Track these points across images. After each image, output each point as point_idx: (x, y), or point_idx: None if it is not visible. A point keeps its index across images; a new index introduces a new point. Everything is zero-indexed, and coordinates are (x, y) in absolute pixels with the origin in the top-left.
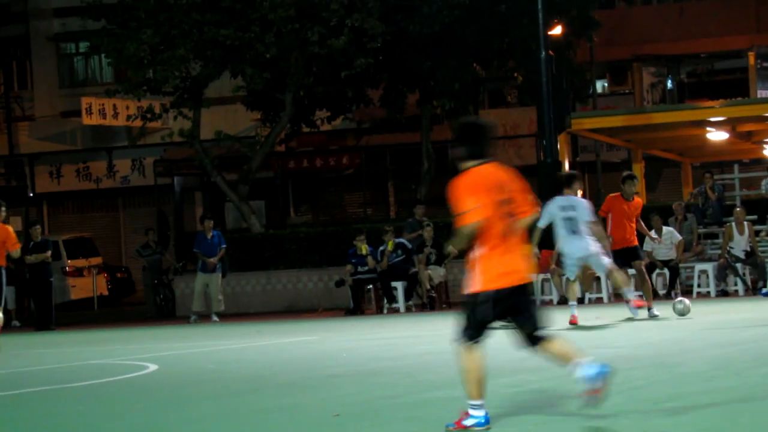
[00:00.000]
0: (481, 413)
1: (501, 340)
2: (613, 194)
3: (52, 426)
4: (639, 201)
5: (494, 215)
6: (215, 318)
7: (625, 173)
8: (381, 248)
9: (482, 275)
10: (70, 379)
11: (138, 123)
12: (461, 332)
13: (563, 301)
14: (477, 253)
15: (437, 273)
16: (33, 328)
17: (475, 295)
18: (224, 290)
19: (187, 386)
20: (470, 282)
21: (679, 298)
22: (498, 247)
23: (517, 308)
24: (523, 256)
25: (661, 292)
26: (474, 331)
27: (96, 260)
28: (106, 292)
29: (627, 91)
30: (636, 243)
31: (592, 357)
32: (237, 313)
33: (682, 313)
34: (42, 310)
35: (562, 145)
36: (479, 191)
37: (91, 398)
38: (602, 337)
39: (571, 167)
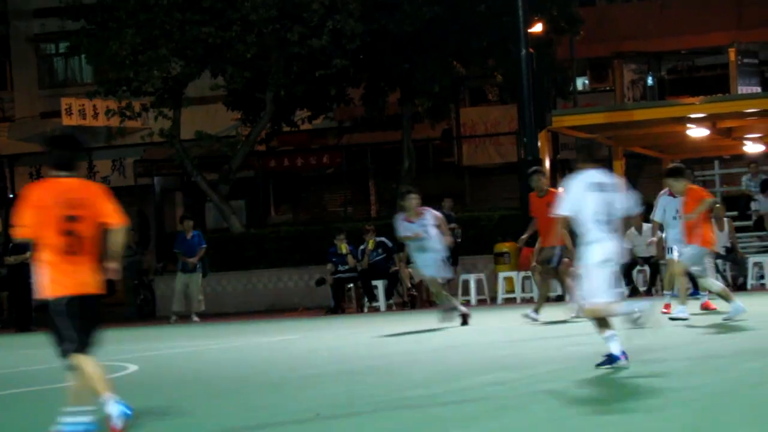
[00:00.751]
0: (82, 419)
1: (481, 339)
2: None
3: (33, 428)
4: (556, 195)
5: (56, 228)
6: (195, 318)
7: (531, 169)
8: (362, 247)
9: (49, 283)
10: (51, 380)
11: (116, 120)
12: (61, 346)
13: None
14: (41, 261)
15: (418, 272)
16: (13, 329)
17: (48, 302)
18: (204, 290)
19: (168, 387)
20: (39, 288)
21: (638, 309)
22: (61, 259)
23: (83, 319)
24: (92, 269)
25: (642, 288)
26: (68, 341)
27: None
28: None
29: (608, 88)
30: (557, 243)
31: (117, 396)
32: (217, 313)
33: (642, 325)
34: (21, 311)
35: (542, 142)
36: (38, 206)
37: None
38: (581, 333)
39: (551, 165)
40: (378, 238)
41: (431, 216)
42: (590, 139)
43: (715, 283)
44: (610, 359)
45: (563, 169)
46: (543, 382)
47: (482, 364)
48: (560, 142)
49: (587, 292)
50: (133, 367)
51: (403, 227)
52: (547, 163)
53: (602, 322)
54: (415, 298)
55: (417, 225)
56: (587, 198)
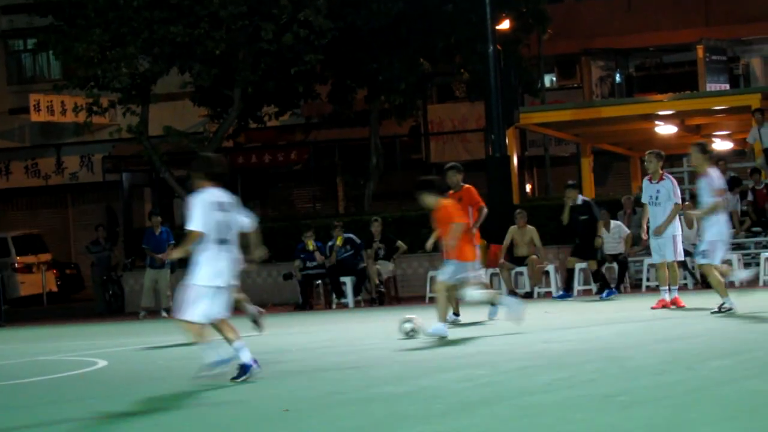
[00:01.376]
0: None
1: (449, 336)
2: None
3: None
4: (467, 190)
5: None
6: (164, 314)
7: (446, 165)
8: (329, 243)
9: None
10: (19, 375)
11: (84, 116)
12: None
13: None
14: None
15: (386, 268)
16: None
17: None
18: (173, 286)
19: (137, 382)
20: None
21: (408, 316)
22: None
23: None
24: None
25: (611, 285)
26: None
27: (45, 257)
28: (55, 289)
29: (576, 85)
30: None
31: None
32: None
33: (408, 333)
34: None
35: (510, 139)
36: None
37: (40, 394)
38: (552, 332)
39: (519, 162)
40: (346, 235)
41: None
42: (208, 156)
43: (475, 294)
44: (243, 369)
45: (531, 166)
46: (511, 379)
47: (450, 361)
48: (528, 139)
49: (182, 306)
50: (102, 363)
51: None
52: (515, 160)
53: (201, 334)
54: (384, 294)
55: None
56: (209, 218)
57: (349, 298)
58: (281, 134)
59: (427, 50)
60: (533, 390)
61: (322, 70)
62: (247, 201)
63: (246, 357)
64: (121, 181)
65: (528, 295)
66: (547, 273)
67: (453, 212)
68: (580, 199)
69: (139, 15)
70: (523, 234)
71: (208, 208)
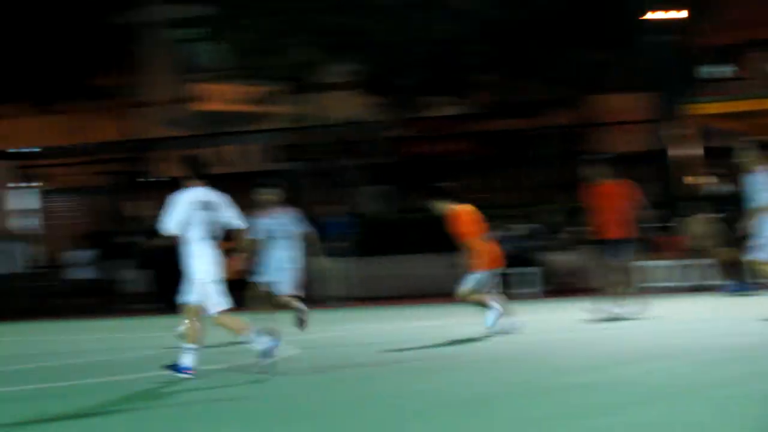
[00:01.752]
0: None
1: (642, 327)
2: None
3: (189, 406)
4: (621, 184)
5: None
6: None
7: (584, 157)
8: (505, 233)
9: None
10: (219, 360)
11: (253, 107)
12: None
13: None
14: None
15: (569, 259)
16: (167, 311)
17: None
18: (356, 274)
19: (327, 369)
20: None
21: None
22: None
23: None
24: None
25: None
26: None
27: (228, 244)
28: (244, 276)
29: (752, 77)
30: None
31: None
32: (368, 297)
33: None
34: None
35: (684, 130)
36: None
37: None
38: (733, 324)
39: (697, 154)
40: (519, 225)
41: (290, 216)
42: (195, 155)
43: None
44: (176, 368)
45: (707, 157)
46: (697, 372)
47: (638, 352)
48: (704, 130)
49: (210, 306)
50: (294, 351)
51: (259, 224)
52: (692, 151)
53: (238, 327)
54: (566, 285)
55: (277, 223)
56: (194, 216)
57: (529, 289)
58: (449, 124)
59: (596, 40)
60: (724, 383)
61: (491, 61)
62: (419, 190)
63: (188, 360)
64: (288, 171)
65: (715, 288)
66: (733, 265)
67: (461, 224)
68: (725, 188)
69: (306, 4)
70: (705, 226)
71: (188, 208)
